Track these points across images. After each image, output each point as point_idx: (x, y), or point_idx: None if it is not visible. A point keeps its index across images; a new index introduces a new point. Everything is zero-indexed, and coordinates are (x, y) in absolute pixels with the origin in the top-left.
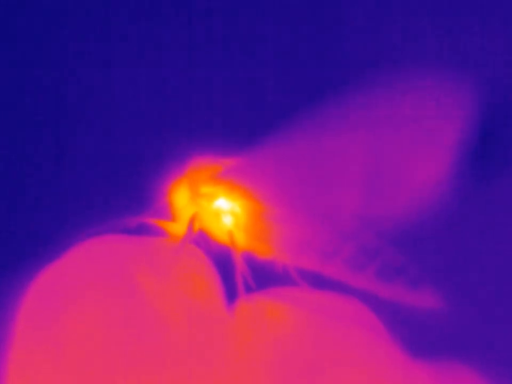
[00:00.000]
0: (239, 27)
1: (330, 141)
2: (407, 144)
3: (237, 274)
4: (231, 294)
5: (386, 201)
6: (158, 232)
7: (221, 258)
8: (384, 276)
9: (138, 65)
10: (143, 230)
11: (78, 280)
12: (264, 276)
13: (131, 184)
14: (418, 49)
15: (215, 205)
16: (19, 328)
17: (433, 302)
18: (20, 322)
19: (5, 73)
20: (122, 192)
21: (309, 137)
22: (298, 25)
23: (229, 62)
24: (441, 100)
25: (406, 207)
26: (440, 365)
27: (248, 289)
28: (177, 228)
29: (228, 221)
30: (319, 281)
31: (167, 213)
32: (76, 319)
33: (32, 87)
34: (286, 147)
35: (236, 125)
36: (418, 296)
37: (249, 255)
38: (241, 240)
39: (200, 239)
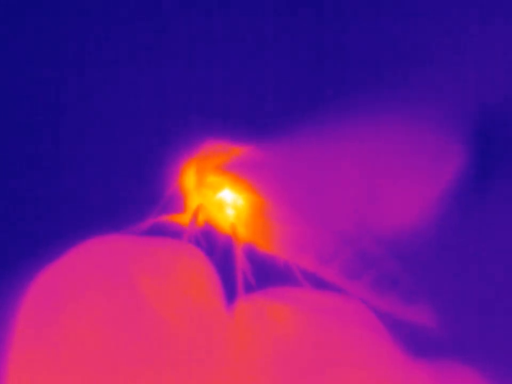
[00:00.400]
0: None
1: (337, 148)
2: (409, 156)
3: (237, 268)
4: (230, 294)
5: (386, 211)
6: (162, 229)
7: (221, 258)
8: (379, 286)
9: (152, 54)
10: (148, 228)
11: (78, 280)
12: (265, 272)
13: (137, 177)
14: (424, 75)
15: (219, 195)
16: (19, 327)
17: (427, 317)
18: (19, 322)
19: (5, 74)
20: (127, 188)
21: (317, 142)
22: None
23: (247, 56)
24: (442, 120)
25: (405, 218)
26: (440, 364)
27: (248, 284)
28: (183, 218)
29: (230, 213)
30: (320, 281)
31: (175, 201)
32: (76, 319)
33: (32, 88)
34: (294, 148)
35: (248, 117)
36: (412, 309)
37: (250, 248)
38: (243, 233)
39: (203, 230)
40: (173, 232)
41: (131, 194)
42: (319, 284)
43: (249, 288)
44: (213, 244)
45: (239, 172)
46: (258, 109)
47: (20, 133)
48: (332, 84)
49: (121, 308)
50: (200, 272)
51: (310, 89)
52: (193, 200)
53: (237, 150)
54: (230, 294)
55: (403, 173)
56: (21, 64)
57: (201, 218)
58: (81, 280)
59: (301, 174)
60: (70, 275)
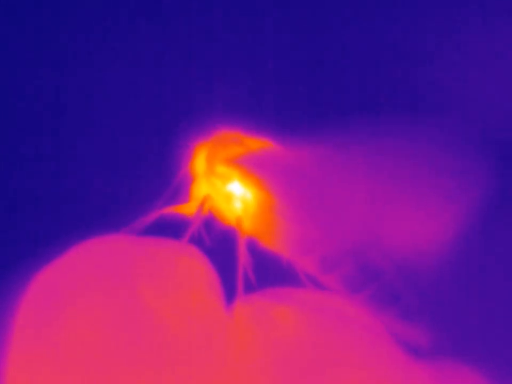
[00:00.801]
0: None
1: (356, 160)
2: (429, 177)
3: (239, 262)
4: (230, 292)
5: (398, 230)
6: (168, 220)
7: (223, 251)
8: (379, 300)
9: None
10: (154, 219)
11: (77, 280)
12: (266, 269)
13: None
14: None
15: (228, 187)
16: (18, 327)
17: (425, 337)
18: (19, 321)
19: (5, 74)
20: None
21: (337, 150)
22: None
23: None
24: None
25: (418, 239)
26: (440, 365)
27: (248, 280)
28: (189, 208)
29: (237, 206)
30: (321, 283)
31: (182, 189)
32: (75, 318)
33: (32, 88)
34: (313, 153)
35: (271, 112)
36: (410, 327)
37: (254, 243)
38: (248, 227)
39: (208, 221)
40: (178, 224)
41: (137, 184)
42: (321, 285)
43: (249, 285)
44: (216, 236)
45: (252, 167)
46: (284, 107)
47: (20, 133)
48: (359, 100)
49: (120, 308)
50: (199, 273)
51: (337, 98)
52: (201, 189)
53: (251, 143)
54: (230, 292)
55: (421, 193)
56: (21, 65)
57: (207, 209)
58: (80, 280)
59: (315, 179)
60: (69, 275)
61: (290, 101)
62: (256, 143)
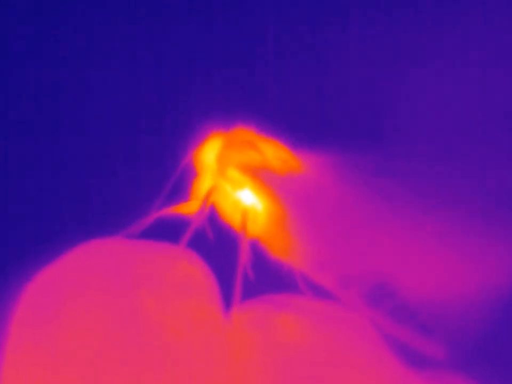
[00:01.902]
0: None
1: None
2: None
3: (239, 269)
4: (229, 297)
5: (413, 279)
6: (168, 220)
7: (220, 263)
8: (396, 317)
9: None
10: (155, 220)
11: (75, 282)
12: (268, 276)
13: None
14: None
15: (237, 193)
16: (16, 328)
17: (440, 352)
18: (16, 323)
19: (4, 74)
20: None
21: (367, 181)
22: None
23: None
24: None
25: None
26: (435, 373)
27: (247, 286)
28: (191, 207)
29: (245, 214)
30: (321, 291)
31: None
32: (72, 321)
33: (32, 88)
34: (327, 166)
35: (296, 121)
36: (426, 343)
37: (259, 252)
38: (254, 236)
39: (212, 223)
40: (179, 224)
41: (137, 184)
42: (321, 293)
43: (248, 292)
44: (218, 239)
45: (267, 177)
46: (303, 115)
47: (18, 134)
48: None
49: (117, 312)
50: (197, 278)
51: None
52: (205, 188)
53: (266, 148)
54: (229, 297)
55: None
56: (20, 64)
57: (210, 210)
58: (78, 282)
59: (332, 196)
60: (67, 277)
61: (310, 109)
62: (272, 149)
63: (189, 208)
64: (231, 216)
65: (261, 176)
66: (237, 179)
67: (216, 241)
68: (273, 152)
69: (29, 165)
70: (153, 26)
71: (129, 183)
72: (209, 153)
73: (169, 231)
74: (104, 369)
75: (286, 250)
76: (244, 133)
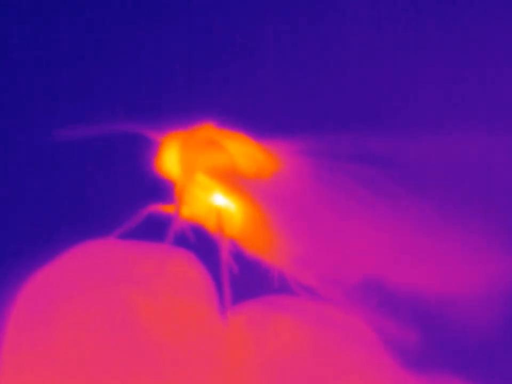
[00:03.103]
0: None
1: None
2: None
3: (223, 272)
4: (225, 302)
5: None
6: (152, 223)
7: (214, 265)
8: (380, 310)
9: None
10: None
11: (70, 282)
12: (255, 279)
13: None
14: None
15: (209, 197)
16: (12, 328)
17: (414, 335)
18: (12, 323)
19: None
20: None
21: (324, 160)
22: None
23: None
24: None
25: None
26: (432, 376)
27: (235, 288)
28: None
29: (220, 217)
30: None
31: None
32: (68, 320)
33: (29, 86)
34: (296, 159)
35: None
36: (412, 334)
37: (239, 252)
38: (232, 237)
39: (189, 228)
40: (165, 225)
41: (124, 187)
42: (321, 296)
43: (236, 293)
44: (198, 242)
45: (235, 179)
46: (268, 109)
47: (17, 135)
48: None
49: (113, 312)
50: (193, 279)
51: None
52: (181, 192)
53: (232, 146)
54: (225, 301)
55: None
56: (17, 66)
57: (187, 215)
58: (73, 283)
59: (302, 192)
60: (63, 278)
61: (275, 103)
62: (238, 145)
63: (172, 209)
64: (206, 219)
65: (231, 178)
66: (206, 184)
67: (195, 243)
68: (240, 149)
69: (28, 166)
70: (110, 28)
71: (115, 186)
72: (172, 157)
73: (159, 232)
74: (99, 368)
75: (264, 249)
76: (206, 130)
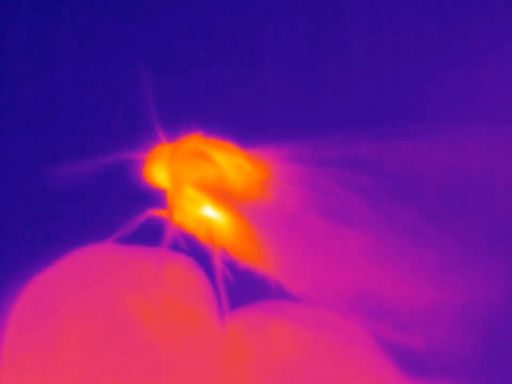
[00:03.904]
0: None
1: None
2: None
3: (218, 280)
4: (223, 307)
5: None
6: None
7: (208, 273)
8: (373, 315)
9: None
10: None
11: (69, 286)
12: (248, 286)
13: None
14: None
15: (199, 210)
16: (11, 330)
17: (420, 344)
18: (12, 326)
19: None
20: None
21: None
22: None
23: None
24: None
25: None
26: (431, 381)
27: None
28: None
29: (210, 228)
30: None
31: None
32: (65, 326)
33: (28, 86)
34: (283, 170)
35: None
36: (406, 337)
37: (232, 261)
38: (223, 247)
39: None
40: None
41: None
42: (314, 302)
43: (232, 300)
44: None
45: (223, 192)
46: (255, 118)
47: (15, 137)
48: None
49: (112, 316)
50: (191, 283)
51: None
52: (172, 204)
53: (220, 158)
54: (222, 305)
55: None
56: (16, 67)
57: (178, 224)
58: (72, 287)
59: (289, 205)
60: (62, 282)
61: (260, 112)
62: (225, 155)
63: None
64: (197, 229)
65: (219, 189)
66: (194, 197)
67: (189, 251)
68: (227, 159)
69: (17, 177)
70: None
71: (113, 191)
72: (161, 169)
73: (158, 235)
74: (97, 371)
75: (254, 258)
76: (194, 141)
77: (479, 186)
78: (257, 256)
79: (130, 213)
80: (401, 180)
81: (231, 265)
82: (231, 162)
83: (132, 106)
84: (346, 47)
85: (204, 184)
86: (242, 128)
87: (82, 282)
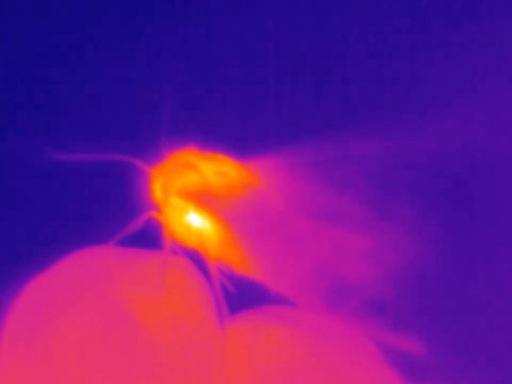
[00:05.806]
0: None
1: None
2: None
3: (215, 286)
4: (222, 311)
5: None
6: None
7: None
8: (364, 313)
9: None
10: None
11: (68, 288)
12: (245, 293)
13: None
14: None
15: (185, 218)
16: (8, 334)
17: (415, 343)
18: (10, 328)
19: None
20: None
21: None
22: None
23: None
24: None
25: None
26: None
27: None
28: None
29: (198, 236)
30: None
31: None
32: (64, 328)
33: (27, 87)
34: (267, 177)
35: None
36: (400, 335)
37: (225, 269)
38: (212, 254)
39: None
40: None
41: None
42: (300, 304)
43: (231, 306)
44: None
45: (207, 199)
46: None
47: (15, 138)
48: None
49: (110, 318)
50: (191, 286)
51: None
52: (162, 214)
53: (205, 167)
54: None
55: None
56: (14, 66)
57: (170, 234)
58: (70, 289)
59: (270, 208)
60: (61, 284)
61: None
62: (212, 166)
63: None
64: (186, 238)
65: (203, 199)
66: (180, 206)
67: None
68: (214, 168)
69: (28, 174)
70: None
71: (110, 195)
72: (153, 182)
73: (157, 238)
74: (96, 373)
75: (243, 264)
76: (185, 155)
77: (468, 186)
78: (242, 261)
79: (131, 215)
80: (392, 178)
81: (227, 271)
82: (218, 171)
83: (143, 113)
84: (336, 49)
85: (188, 191)
86: (232, 138)
87: (82, 284)
